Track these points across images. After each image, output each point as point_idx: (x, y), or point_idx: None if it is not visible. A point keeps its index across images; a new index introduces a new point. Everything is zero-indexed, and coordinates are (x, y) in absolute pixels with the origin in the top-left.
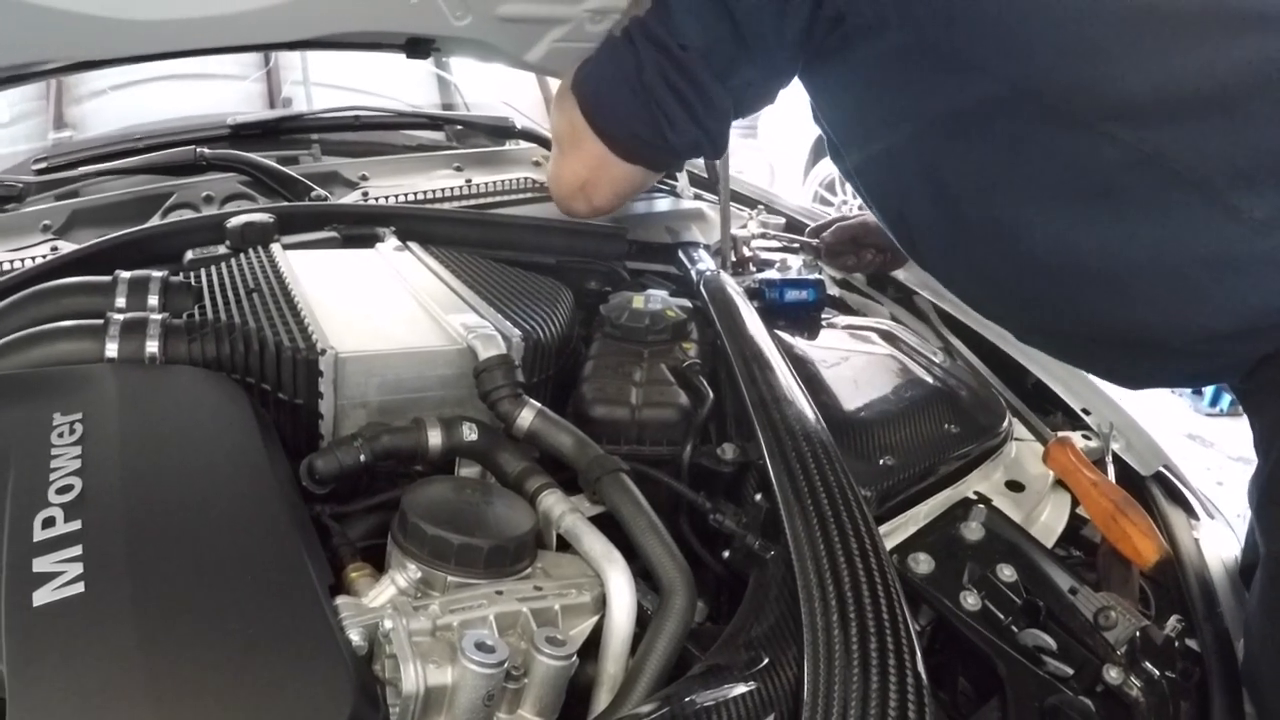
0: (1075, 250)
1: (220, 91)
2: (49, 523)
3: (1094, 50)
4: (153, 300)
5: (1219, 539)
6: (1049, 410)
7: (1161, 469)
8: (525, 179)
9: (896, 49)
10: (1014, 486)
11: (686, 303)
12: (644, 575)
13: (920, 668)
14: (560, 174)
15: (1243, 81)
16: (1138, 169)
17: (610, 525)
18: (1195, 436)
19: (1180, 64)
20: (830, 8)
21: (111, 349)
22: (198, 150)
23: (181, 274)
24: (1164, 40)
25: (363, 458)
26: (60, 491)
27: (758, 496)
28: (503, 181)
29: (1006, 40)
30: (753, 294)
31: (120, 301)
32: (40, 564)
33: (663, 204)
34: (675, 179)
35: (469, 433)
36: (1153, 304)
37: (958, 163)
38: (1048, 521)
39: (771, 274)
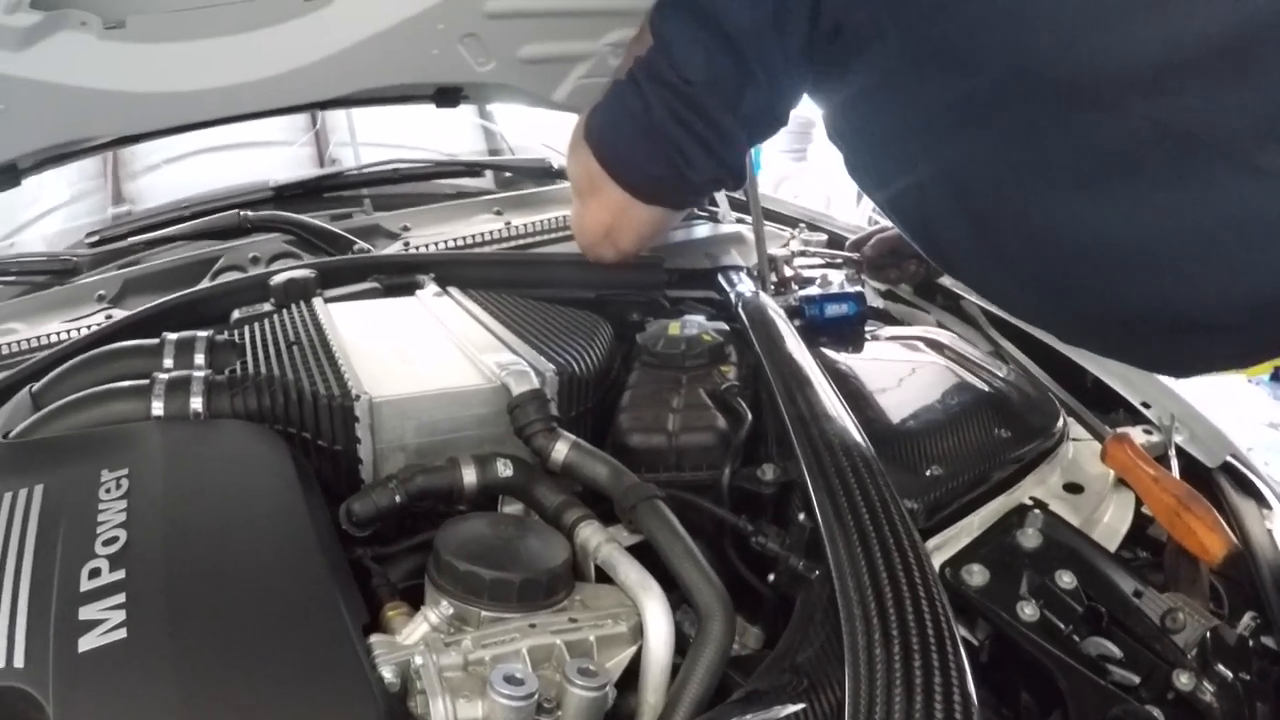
0: (1101, 232)
1: (271, 158)
2: (95, 573)
3: (1092, 19)
4: (199, 359)
5: None
6: (1111, 408)
7: (1229, 458)
8: (563, 217)
9: (896, 53)
10: (1072, 489)
11: (724, 326)
12: (687, 602)
13: (969, 687)
14: (583, 223)
15: (1254, 31)
16: (1154, 138)
17: (650, 554)
18: (1276, 425)
19: (1185, 20)
20: (827, 20)
21: (158, 407)
22: (240, 214)
23: (227, 332)
24: None
25: (398, 499)
26: (106, 543)
27: (801, 516)
28: (541, 222)
29: (1003, 23)
30: (793, 312)
31: (168, 362)
32: (86, 612)
33: (701, 230)
34: (716, 203)
35: (504, 469)
36: (1186, 278)
37: (974, 159)
38: (1110, 523)
39: (811, 291)
